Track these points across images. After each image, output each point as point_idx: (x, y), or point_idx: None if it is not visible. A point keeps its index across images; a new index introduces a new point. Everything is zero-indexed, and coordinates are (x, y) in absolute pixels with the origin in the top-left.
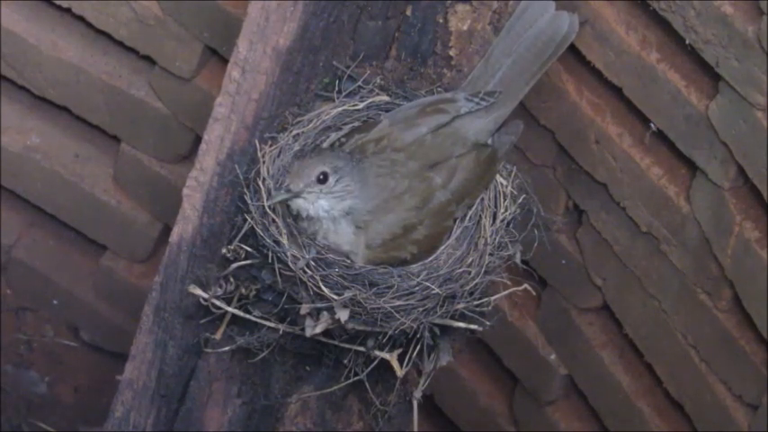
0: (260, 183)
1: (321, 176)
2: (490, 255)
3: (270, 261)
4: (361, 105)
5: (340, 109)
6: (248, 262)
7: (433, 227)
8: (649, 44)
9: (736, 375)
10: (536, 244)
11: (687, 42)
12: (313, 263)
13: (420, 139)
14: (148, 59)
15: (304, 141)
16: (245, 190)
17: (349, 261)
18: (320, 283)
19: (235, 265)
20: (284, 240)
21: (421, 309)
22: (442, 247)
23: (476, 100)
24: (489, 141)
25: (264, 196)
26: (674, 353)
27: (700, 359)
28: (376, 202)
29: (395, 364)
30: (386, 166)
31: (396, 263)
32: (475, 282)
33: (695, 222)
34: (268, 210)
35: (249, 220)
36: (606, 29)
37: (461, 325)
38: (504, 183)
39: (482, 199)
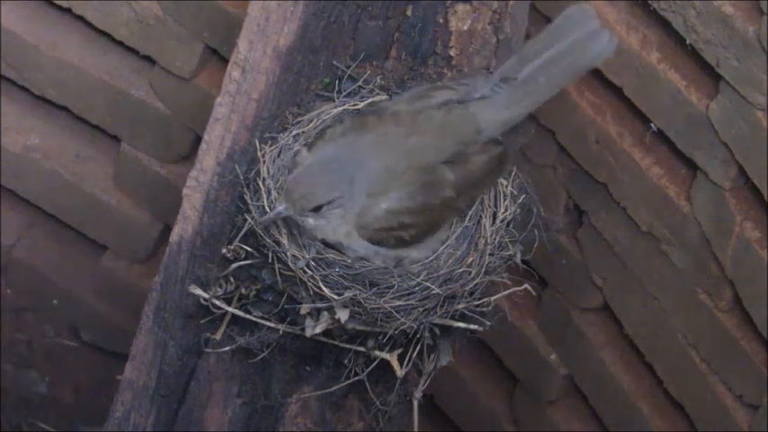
0: (260, 183)
1: (315, 209)
2: (490, 255)
3: (270, 261)
4: (361, 105)
5: (340, 109)
6: (248, 262)
7: (434, 217)
8: (650, 44)
9: (736, 375)
10: (536, 244)
11: (687, 42)
12: (313, 263)
13: (428, 112)
14: (148, 59)
15: (304, 141)
16: (245, 190)
17: (349, 261)
18: (320, 283)
19: (235, 265)
20: (284, 240)
21: (421, 309)
22: (442, 248)
23: (490, 85)
24: (500, 138)
25: (264, 196)
26: (674, 353)
27: (700, 359)
28: (371, 188)
29: (395, 364)
30: (381, 142)
31: (392, 243)
32: (475, 282)
33: (695, 222)
34: (268, 209)
35: (249, 220)
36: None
37: (461, 325)
38: (504, 183)
39: (482, 199)
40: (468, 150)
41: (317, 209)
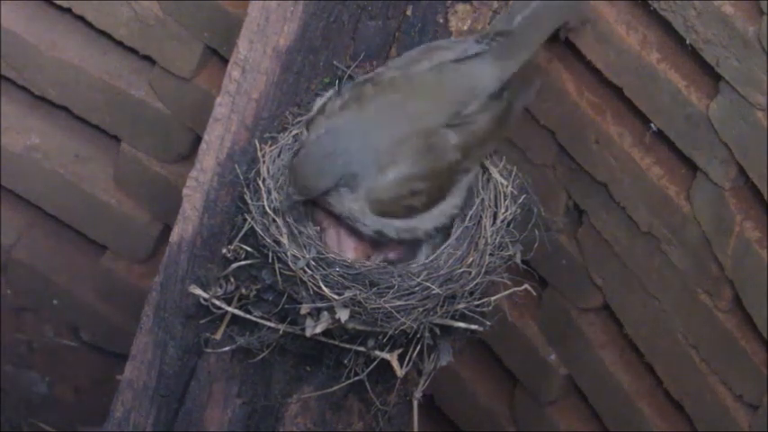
0: (260, 183)
1: (321, 194)
2: (490, 255)
3: (270, 261)
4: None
5: None
6: (248, 262)
7: (442, 182)
8: (650, 44)
9: (736, 375)
10: (536, 244)
11: (687, 42)
12: (313, 262)
13: (422, 75)
14: (148, 59)
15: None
16: (245, 190)
17: (349, 261)
18: (320, 283)
19: (235, 265)
20: (284, 240)
21: (421, 309)
22: (443, 247)
23: (485, 41)
24: (503, 96)
25: (265, 196)
26: (674, 353)
27: (700, 359)
28: (381, 160)
29: (395, 364)
30: (382, 112)
31: (403, 212)
32: (475, 282)
33: (695, 222)
34: (268, 209)
35: (249, 220)
36: (606, 29)
37: (462, 325)
38: (505, 183)
39: (482, 199)
40: (468, 110)
41: (323, 194)
